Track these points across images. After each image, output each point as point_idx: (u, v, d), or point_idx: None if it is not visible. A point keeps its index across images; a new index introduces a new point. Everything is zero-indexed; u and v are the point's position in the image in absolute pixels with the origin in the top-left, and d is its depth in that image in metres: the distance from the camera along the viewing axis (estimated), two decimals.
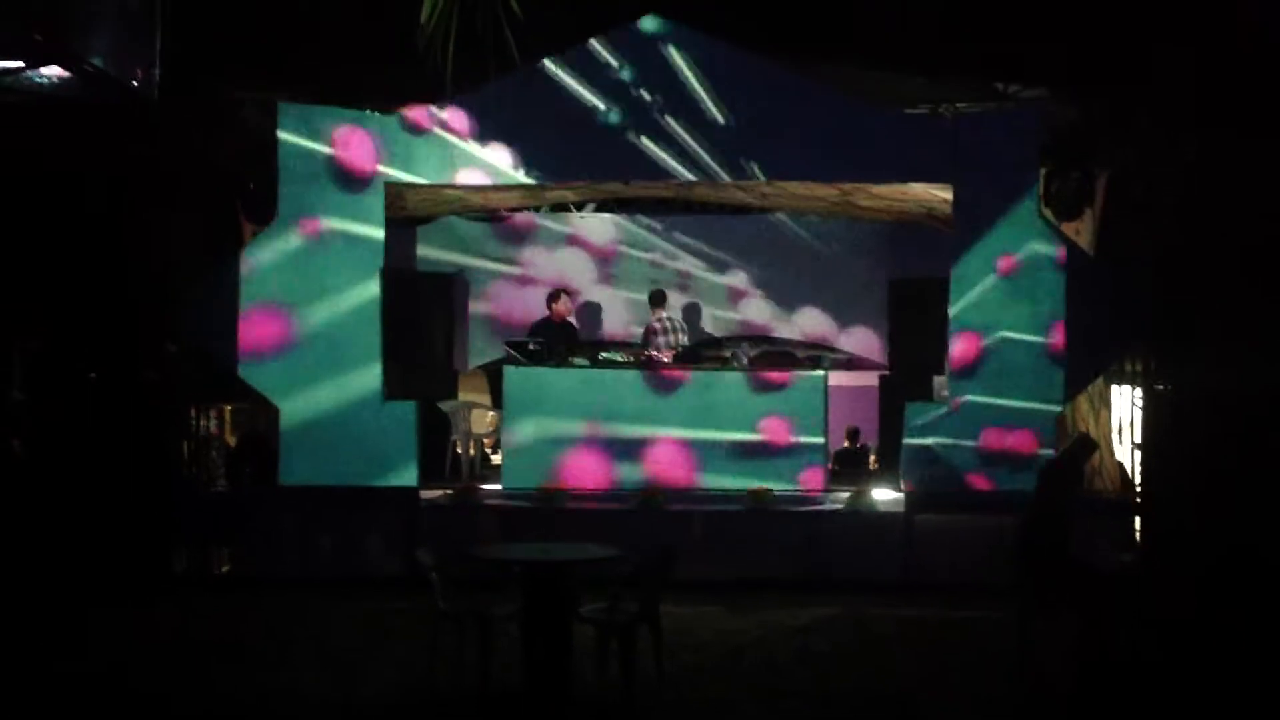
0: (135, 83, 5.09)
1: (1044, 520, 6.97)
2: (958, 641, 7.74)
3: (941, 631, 7.97)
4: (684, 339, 11.41)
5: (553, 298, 11.36)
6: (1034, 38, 9.48)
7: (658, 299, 11.61)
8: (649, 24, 9.91)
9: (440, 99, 9.59)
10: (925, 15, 9.43)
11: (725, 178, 10.00)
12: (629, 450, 10.09)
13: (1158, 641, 6.98)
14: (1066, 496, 7.07)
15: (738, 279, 12.98)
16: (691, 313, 12.71)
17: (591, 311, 12.80)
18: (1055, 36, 9.36)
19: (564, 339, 10.97)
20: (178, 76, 5.84)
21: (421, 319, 11.70)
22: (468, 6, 5.07)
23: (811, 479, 10.00)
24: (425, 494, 9.72)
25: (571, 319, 11.60)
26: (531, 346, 10.39)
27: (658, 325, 11.43)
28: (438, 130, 9.86)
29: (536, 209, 12.78)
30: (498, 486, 10.26)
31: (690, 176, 9.98)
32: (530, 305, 12.54)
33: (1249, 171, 8.97)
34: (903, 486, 9.76)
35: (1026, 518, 7.05)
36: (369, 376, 9.79)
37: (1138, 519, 9.60)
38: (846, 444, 12.62)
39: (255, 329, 9.77)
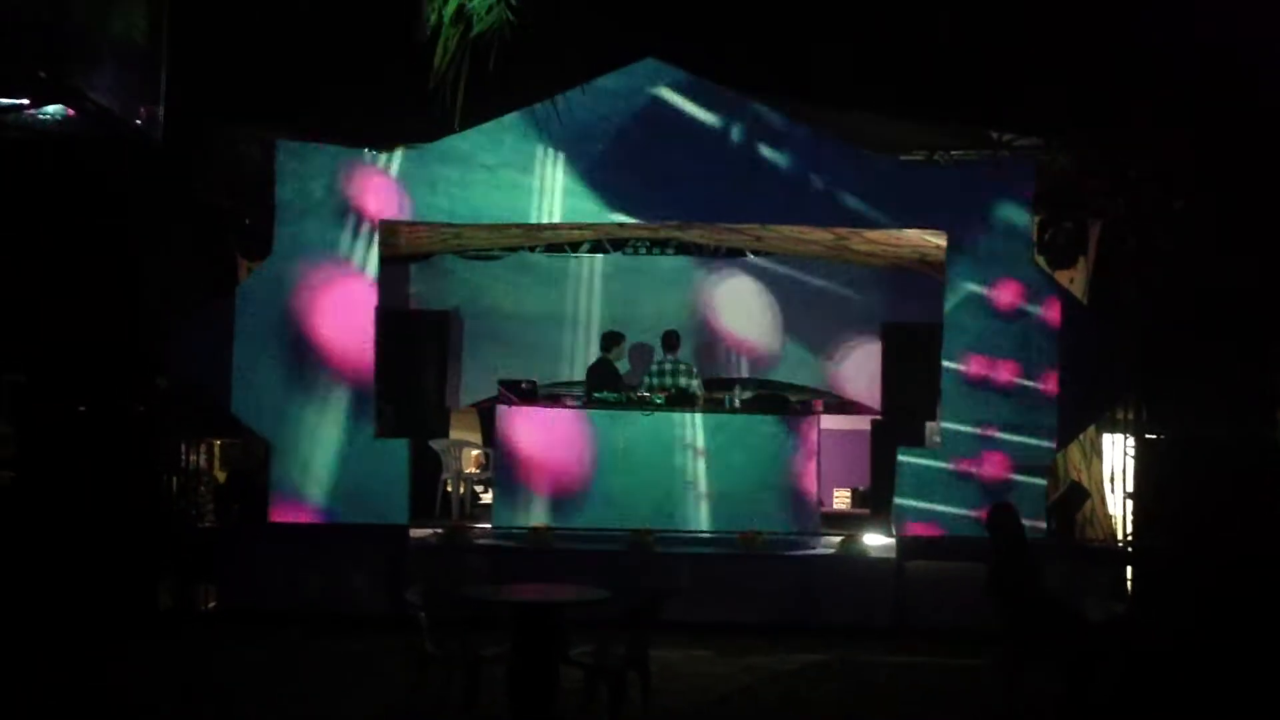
0: (139, 121, 5.10)
1: (1010, 558, 6.96)
2: (948, 688, 7.71)
3: (932, 678, 7.94)
4: (688, 382, 11.17)
5: (605, 340, 11.39)
6: (1028, 87, 9.54)
7: (670, 341, 11.41)
8: (646, 67, 9.97)
9: (442, 136, 9.62)
10: (921, 63, 9.50)
11: (720, 219, 10.05)
12: (619, 491, 10.07)
13: (1147, 690, 6.95)
14: (1024, 533, 7.10)
15: (733, 322, 12.97)
16: (698, 356, 12.61)
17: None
18: (1049, 86, 9.43)
19: (611, 381, 10.94)
20: (180, 113, 5.84)
21: (415, 356, 11.68)
22: (478, 50, 5.11)
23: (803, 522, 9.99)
24: (414, 533, 9.66)
25: (620, 362, 11.55)
26: (524, 385, 10.41)
27: (655, 367, 11.39)
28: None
29: (531, 249, 12.80)
30: (487, 526, 10.22)
31: (686, 217, 10.04)
32: (525, 345, 12.59)
33: (1240, 222, 9.05)
34: (894, 531, 9.74)
35: (994, 558, 7.04)
36: (361, 413, 9.78)
37: (1128, 568, 9.58)
38: None
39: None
